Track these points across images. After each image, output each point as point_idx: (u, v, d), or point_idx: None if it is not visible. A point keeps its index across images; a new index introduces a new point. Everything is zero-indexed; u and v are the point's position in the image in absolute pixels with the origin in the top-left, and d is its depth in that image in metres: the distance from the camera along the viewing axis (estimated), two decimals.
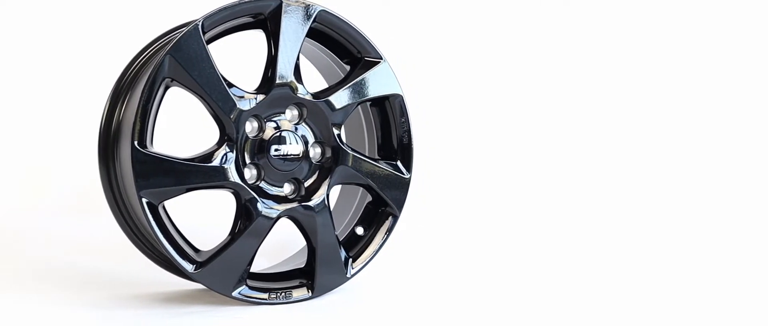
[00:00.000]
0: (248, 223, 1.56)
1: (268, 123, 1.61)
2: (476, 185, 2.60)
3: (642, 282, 1.80)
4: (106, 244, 1.99)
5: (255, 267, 1.65)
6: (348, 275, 1.68)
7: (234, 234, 1.57)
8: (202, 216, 1.99)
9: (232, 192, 1.57)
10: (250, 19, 1.59)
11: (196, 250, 1.56)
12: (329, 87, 1.68)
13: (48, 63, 2.52)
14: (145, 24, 2.20)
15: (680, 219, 2.42)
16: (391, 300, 1.69)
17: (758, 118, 2.77)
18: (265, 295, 1.60)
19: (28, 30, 2.51)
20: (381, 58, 1.70)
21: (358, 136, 1.79)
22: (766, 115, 2.78)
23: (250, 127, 1.59)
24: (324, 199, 1.63)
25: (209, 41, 1.55)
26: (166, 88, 1.51)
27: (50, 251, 2.00)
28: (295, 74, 1.61)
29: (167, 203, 1.54)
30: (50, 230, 2.13)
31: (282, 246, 1.88)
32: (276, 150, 1.61)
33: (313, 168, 1.66)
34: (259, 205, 1.57)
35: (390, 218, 1.74)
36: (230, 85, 1.55)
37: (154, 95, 1.49)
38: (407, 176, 1.74)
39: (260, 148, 1.59)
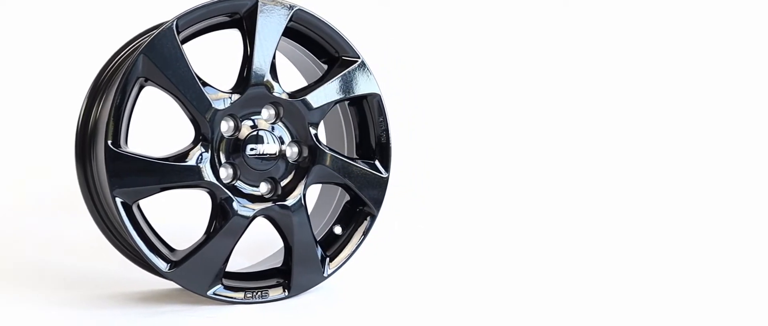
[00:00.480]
0: (224, 222, 1.56)
1: (244, 122, 1.61)
2: (467, 185, 2.61)
3: (637, 282, 1.80)
4: (82, 244, 1.98)
5: (234, 267, 1.65)
6: (325, 274, 1.68)
7: (209, 234, 1.57)
8: (184, 216, 1.98)
9: (208, 192, 1.57)
10: (226, 19, 1.59)
11: (171, 249, 1.56)
12: (306, 86, 1.67)
13: (25, 62, 2.52)
14: (125, 23, 2.19)
15: (677, 220, 2.42)
16: (369, 299, 1.69)
17: (758, 118, 2.77)
18: (241, 295, 1.59)
19: (5, 29, 2.50)
20: (358, 57, 1.70)
21: (336, 135, 1.79)
22: (766, 114, 2.78)
23: (226, 127, 1.59)
24: (300, 199, 1.63)
25: (185, 40, 1.55)
26: (141, 87, 1.51)
27: (25, 250, 1.99)
28: (271, 73, 1.60)
29: (146, 202, 1.54)
30: (25, 229, 2.12)
31: (261, 245, 1.88)
32: (252, 149, 1.60)
33: (289, 167, 1.66)
34: (235, 204, 1.57)
35: (368, 218, 1.74)
36: (205, 84, 1.55)
37: (127, 95, 1.48)
38: (385, 175, 1.73)
39: (236, 147, 1.59)
